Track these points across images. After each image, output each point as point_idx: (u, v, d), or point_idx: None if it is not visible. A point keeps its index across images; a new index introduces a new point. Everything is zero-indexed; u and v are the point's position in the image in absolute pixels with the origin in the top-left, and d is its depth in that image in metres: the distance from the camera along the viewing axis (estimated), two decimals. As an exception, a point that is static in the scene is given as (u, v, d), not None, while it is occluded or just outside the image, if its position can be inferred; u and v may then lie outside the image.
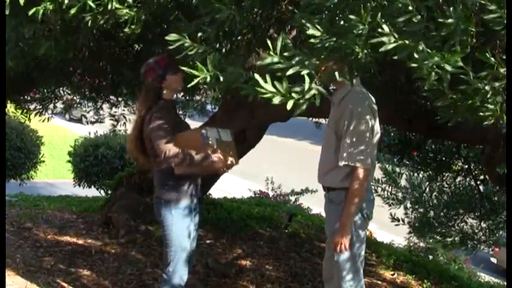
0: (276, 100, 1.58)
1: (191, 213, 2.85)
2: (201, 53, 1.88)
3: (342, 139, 2.54)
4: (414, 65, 1.45)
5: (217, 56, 1.86)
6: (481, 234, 5.15)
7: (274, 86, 1.58)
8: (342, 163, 2.52)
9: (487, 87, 1.44)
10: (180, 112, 7.49)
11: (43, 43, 2.74)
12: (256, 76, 1.59)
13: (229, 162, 2.81)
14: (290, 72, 1.58)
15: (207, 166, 2.73)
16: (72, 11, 2.24)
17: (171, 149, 2.65)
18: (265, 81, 1.58)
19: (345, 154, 2.51)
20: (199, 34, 2.05)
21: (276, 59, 1.59)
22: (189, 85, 1.76)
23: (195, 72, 1.72)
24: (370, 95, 2.66)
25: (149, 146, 2.79)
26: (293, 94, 1.58)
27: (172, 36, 1.86)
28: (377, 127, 2.62)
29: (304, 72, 1.58)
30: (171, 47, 1.87)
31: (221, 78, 1.76)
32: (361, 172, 2.50)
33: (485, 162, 4.16)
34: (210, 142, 2.74)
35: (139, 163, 2.98)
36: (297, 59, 1.58)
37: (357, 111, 2.49)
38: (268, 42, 1.62)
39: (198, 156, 2.68)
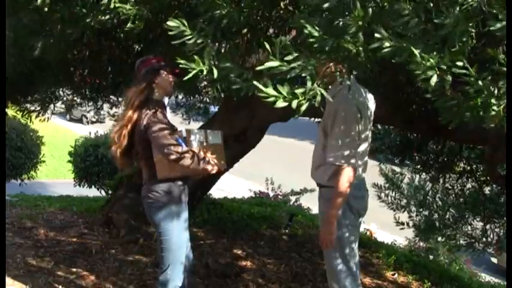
0: (280, 104, 1.57)
1: (187, 215, 2.84)
2: (199, 43, 1.88)
3: (328, 137, 2.57)
4: (413, 66, 1.45)
5: (213, 49, 1.86)
6: (486, 237, 5.13)
7: (276, 89, 1.58)
8: (327, 160, 2.56)
9: (490, 88, 1.43)
10: (184, 116, 7.52)
11: (38, 44, 2.73)
12: (256, 83, 1.59)
13: (213, 166, 2.74)
14: (291, 75, 1.58)
15: (191, 169, 2.68)
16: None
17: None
18: (266, 86, 1.58)
19: (329, 153, 2.55)
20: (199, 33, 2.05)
21: (276, 63, 1.59)
22: (186, 77, 1.75)
23: (192, 65, 1.72)
24: (365, 94, 2.65)
25: (142, 149, 2.75)
26: (296, 94, 1.58)
27: (172, 21, 1.86)
28: (366, 127, 2.62)
29: (306, 73, 1.58)
30: (171, 33, 1.86)
31: (215, 72, 1.76)
32: (345, 171, 2.52)
33: (486, 161, 4.16)
34: (193, 144, 2.71)
35: (119, 162, 2.85)
36: (297, 62, 1.58)
37: (341, 112, 2.50)
38: (267, 46, 1.62)
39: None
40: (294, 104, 1.56)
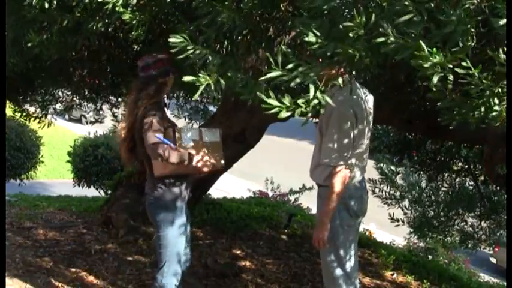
0: (283, 114, 1.57)
1: (186, 213, 2.86)
2: (202, 56, 1.88)
3: (323, 138, 2.59)
4: (419, 62, 1.44)
5: (218, 60, 1.86)
6: (482, 234, 5.16)
7: (279, 100, 1.57)
8: (321, 161, 2.58)
9: (492, 88, 1.43)
10: (180, 113, 7.46)
11: (34, 39, 2.72)
12: (259, 94, 1.59)
13: (206, 164, 2.75)
14: (293, 83, 1.58)
15: (182, 167, 2.70)
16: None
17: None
18: (269, 96, 1.57)
19: (324, 154, 2.57)
20: (200, 37, 2.05)
21: (278, 73, 1.58)
22: (195, 96, 1.77)
23: (200, 80, 1.72)
24: (364, 95, 2.65)
25: (140, 147, 2.77)
26: (299, 104, 1.57)
27: (175, 38, 1.85)
28: (363, 128, 2.62)
29: (308, 81, 1.58)
30: (173, 50, 1.86)
31: (222, 83, 1.76)
32: (339, 171, 2.53)
33: (484, 162, 4.16)
34: (183, 143, 2.70)
35: (123, 157, 2.90)
36: (299, 70, 1.58)
37: (336, 113, 2.51)
38: (268, 55, 1.61)
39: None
40: (298, 113, 1.56)
